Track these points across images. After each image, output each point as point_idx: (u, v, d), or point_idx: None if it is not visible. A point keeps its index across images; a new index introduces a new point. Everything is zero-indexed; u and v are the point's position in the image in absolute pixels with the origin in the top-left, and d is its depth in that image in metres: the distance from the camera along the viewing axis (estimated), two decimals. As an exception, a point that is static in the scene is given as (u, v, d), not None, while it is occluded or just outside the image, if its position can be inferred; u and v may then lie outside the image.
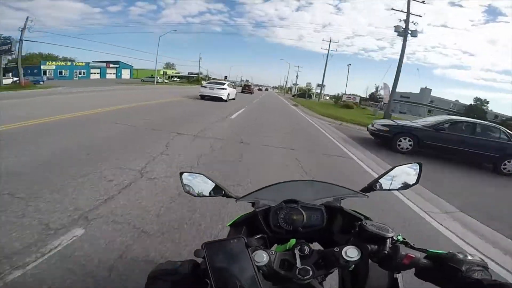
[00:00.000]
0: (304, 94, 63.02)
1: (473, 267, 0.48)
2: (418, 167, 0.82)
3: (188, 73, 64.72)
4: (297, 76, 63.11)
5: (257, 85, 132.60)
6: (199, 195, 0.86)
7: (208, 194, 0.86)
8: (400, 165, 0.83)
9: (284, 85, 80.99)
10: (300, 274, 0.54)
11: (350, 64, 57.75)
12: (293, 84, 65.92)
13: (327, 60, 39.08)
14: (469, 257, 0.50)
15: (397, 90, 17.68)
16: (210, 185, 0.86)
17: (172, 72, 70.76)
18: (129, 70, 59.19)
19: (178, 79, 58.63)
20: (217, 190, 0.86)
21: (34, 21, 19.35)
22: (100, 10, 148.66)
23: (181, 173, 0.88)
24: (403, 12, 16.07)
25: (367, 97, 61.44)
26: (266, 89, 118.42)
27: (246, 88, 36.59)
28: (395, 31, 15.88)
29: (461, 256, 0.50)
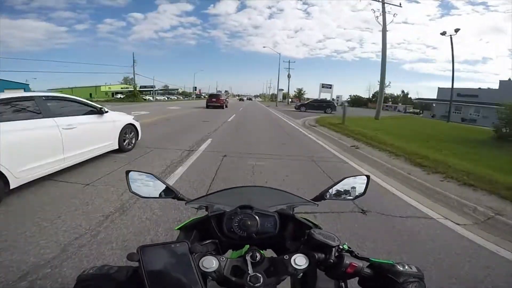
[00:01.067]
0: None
1: (409, 278, 0.51)
2: (366, 179, 0.88)
3: (141, 87, 56.92)
4: (288, 76, 54.84)
5: (238, 95, 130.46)
6: (148, 196, 0.85)
7: (157, 196, 0.85)
8: (349, 177, 0.88)
9: (267, 90, 79.67)
10: (251, 281, 0.54)
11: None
12: (280, 89, 62.43)
13: (289, 73, 46.90)
14: (407, 269, 0.53)
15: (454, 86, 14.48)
16: (160, 186, 0.85)
17: (121, 88, 62.54)
18: (23, 89, 36.76)
19: (122, 96, 48.30)
20: (167, 192, 0.85)
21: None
22: (66, 29, 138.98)
23: (127, 172, 0.86)
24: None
25: (371, 97, 60.31)
26: (250, 99, 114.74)
27: (214, 101, 23.96)
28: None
29: (400, 267, 0.53)
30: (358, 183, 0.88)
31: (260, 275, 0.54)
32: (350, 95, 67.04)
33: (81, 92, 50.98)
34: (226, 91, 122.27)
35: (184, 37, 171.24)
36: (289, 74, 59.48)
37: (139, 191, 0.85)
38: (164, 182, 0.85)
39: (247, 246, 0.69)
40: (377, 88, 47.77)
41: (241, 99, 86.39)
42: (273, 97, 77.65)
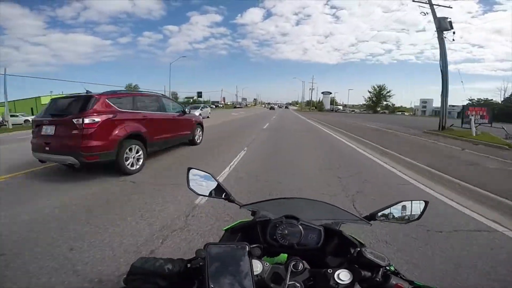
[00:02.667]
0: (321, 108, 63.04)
1: None
2: (424, 204, 0.84)
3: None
4: (311, 89, 60.22)
5: (268, 103, 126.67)
6: (201, 194, 0.90)
7: (211, 195, 0.89)
8: (407, 200, 0.85)
9: (303, 96, 77.23)
10: None
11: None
12: (326, 93, 62.40)
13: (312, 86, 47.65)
14: None
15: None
16: (215, 186, 0.89)
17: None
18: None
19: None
20: (221, 192, 0.89)
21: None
22: (110, 42, 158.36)
23: (189, 169, 0.92)
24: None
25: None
26: (281, 107, 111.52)
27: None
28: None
29: None
30: (413, 207, 0.84)
31: (298, 285, 0.56)
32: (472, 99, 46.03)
33: (23, 104, 37.11)
34: (244, 99, 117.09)
35: (216, 47, 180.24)
36: (312, 87, 60.29)
37: (196, 188, 0.91)
38: (220, 184, 0.90)
39: (284, 255, 0.72)
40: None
41: (271, 108, 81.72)
42: (310, 105, 71.76)
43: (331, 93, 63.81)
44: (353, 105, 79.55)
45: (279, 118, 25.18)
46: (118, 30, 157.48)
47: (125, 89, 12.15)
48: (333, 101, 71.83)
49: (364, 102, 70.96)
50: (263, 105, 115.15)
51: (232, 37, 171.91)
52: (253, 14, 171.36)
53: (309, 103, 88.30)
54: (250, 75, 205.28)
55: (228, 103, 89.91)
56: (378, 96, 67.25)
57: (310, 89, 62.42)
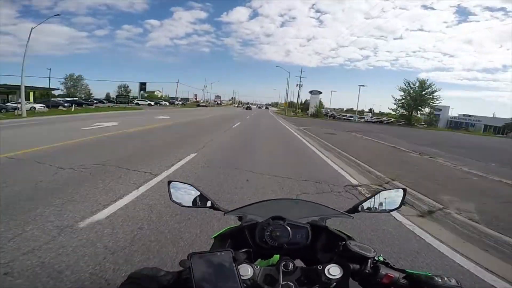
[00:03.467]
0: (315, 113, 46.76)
1: None
2: (402, 192, 0.87)
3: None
4: (299, 86, 47.61)
5: (246, 103, 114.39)
6: (186, 206, 0.89)
7: (195, 205, 0.88)
8: (385, 190, 0.90)
9: (286, 96, 61.42)
10: None
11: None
12: (315, 92, 49.55)
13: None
14: (446, 281, 0.52)
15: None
16: (198, 196, 0.88)
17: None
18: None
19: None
20: (205, 201, 0.88)
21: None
22: (86, 34, 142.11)
23: (169, 182, 0.90)
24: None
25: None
26: (266, 107, 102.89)
27: None
28: None
29: (438, 280, 0.52)
30: (393, 196, 0.87)
31: (292, 284, 0.55)
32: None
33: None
34: (217, 96, 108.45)
35: (198, 44, 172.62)
36: (300, 83, 47.98)
37: (179, 200, 0.89)
38: (202, 193, 0.88)
39: (277, 256, 0.73)
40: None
41: (248, 108, 73.53)
42: (297, 105, 59.90)
43: (321, 92, 52.09)
44: (360, 110, 60.28)
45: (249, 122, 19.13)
46: (95, 22, 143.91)
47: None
48: (320, 104, 59.10)
49: (393, 107, 43.13)
50: (239, 105, 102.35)
51: (216, 34, 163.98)
52: (240, 13, 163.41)
53: (291, 104, 79.20)
54: (232, 74, 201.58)
55: (201, 101, 79.22)
56: (419, 98, 39.57)
57: (297, 85, 51.45)
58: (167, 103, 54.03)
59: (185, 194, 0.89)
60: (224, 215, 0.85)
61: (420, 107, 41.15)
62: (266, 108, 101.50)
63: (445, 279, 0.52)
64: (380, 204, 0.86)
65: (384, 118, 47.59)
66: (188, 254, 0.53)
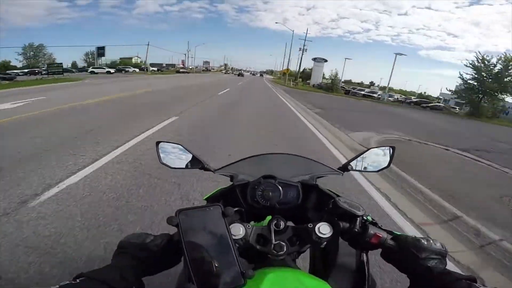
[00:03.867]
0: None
1: (431, 255, 0.50)
2: (390, 150, 0.86)
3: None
4: (303, 50, 38.90)
5: (239, 70, 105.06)
6: (175, 167, 0.86)
7: (185, 166, 0.86)
8: (374, 147, 0.88)
9: (285, 63, 49.57)
10: (274, 249, 0.56)
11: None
12: (319, 60, 42.82)
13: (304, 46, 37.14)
14: (431, 244, 0.52)
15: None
16: (187, 157, 0.86)
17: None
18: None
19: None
20: (195, 162, 0.85)
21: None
22: (67, 3, 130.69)
23: (157, 143, 0.87)
24: None
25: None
26: (261, 75, 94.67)
27: None
28: None
29: (423, 242, 0.52)
30: (381, 154, 0.86)
31: (283, 244, 0.56)
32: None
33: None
34: (206, 62, 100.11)
35: (190, 11, 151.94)
36: (304, 47, 38.91)
37: (168, 162, 0.86)
38: (191, 153, 0.85)
39: (269, 217, 0.69)
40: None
41: (240, 74, 66.90)
42: (297, 75, 49.24)
43: (326, 60, 44.54)
44: (369, 85, 53.99)
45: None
46: None
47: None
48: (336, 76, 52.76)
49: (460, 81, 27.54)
50: (227, 71, 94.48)
51: (209, 0, 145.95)
52: None
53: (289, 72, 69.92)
54: (226, 41, 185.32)
55: (191, 67, 72.28)
56: (497, 81, 25.28)
57: (300, 49, 41.58)
58: (137, 70, 45.58)
59: (174, 155, 0.87)
60: (214, 172, 0.83)
61: (496, 93, 26.02)
62: (261, 75, 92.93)
63: (430, 241, 0.52)
64: (369, 161, 0.85)
65: (427, 101, 32.29)
66: (176, 211, 0.50)
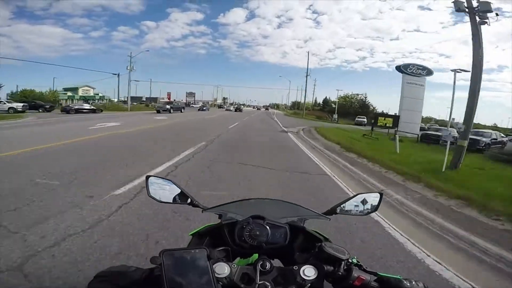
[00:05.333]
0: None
1: None
2: (379, 196, 0.88)
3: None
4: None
5: (236, 104, 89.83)
6: (163, 201, 0.87)
7: (174, 201, 0.87)
8: (362, 193, 0.90)
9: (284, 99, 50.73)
10: None
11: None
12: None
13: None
14: (413, 285, 0.55)
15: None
16: (176, 192, 0.87)
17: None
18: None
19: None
20: (183, 198, 0.87)
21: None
22: (81, 35, 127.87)
23: (147, 177, 0.88)
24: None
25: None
26: (267, 109, 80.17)
27: None
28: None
29: (405, 283, 0.55)
30: (370, 199, 0.88)
31: (268, 284, 0.56)
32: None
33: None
34: (190, 94, 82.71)
35: (195, 46, 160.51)
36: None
37: (156, 196, 0.87)
38: (181, 189, 0.87)
39: (255, 255, 0.72)
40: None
41: (237, 109, 50.63)
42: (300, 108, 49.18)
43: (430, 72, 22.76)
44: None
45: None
46: (91, 24, 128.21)
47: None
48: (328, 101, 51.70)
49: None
50: (223, 106, 71.63)
51: (212, 36, 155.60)
52: (236, 15, 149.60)
53: (294, 105, 63.22)
54: (229, 76, 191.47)
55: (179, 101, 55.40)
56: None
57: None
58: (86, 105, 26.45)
59: (164, 189, 0.88)
60: (202, 212, 0.85)
61: None
62: (266, 109, 77.80)
63: (413, 282, 0.55)
64: (357, 206, 0.87)
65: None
66: (160, 251, 0.51)
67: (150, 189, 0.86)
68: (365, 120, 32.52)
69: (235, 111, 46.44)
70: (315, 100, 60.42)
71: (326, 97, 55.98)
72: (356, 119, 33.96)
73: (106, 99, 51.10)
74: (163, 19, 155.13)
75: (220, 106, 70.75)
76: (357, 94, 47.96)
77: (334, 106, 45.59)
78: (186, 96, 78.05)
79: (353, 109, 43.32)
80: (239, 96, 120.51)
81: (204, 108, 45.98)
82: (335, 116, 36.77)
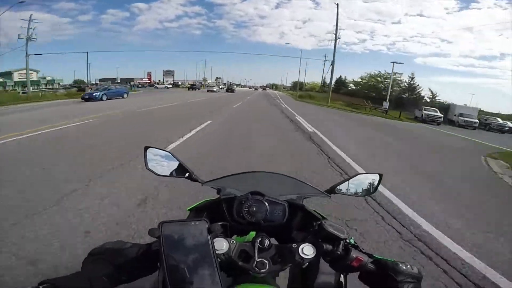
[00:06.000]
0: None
1: (407, 278, 0.53)
2: (378, 177, 0.88)
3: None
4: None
5: (230, 84, 78.69)
6: (162, 174, 0.85)
7: (171, 175, 0.85)
8: (363, 173, 0.91)
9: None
10: (257, 267, 0.55)
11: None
12: None
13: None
14: (408, 268, 0.54)
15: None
16: (175, 165, 0.85)
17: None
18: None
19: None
20: (182, 171, 0.85)
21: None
22: (69, 20, 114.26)
23: (146, 148, 0.86)
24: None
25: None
26: (264, 89, 73.05)
27: None
28: None
29: (401, 266, 0.54)
30: (369, 180, 0.88)
31: (266, 262, 0.56)
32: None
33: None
34: (167, 71, 72.53)
35: (189, 27, 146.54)
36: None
37: (155, 169, 0.85)
38: (180, 162, 0.85)
39: (253, 233, 0.72)
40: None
41: (229, 89, 42.97)
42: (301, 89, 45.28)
43: None
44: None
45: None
46: (78, 8, 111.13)
47: None
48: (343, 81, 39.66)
49: None
50: (209, 88, 44.19)
51: (207, 17, 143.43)
52: None
53: (296, 85, 52.69)
54: (225, 57, 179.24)
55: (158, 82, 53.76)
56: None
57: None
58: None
59: (162, 162, 0.86)
60: (202, 185, 0.82)
61: None
62: (264, 89, 70.42)
63: (408, 266, 0.54)
64: (356, 186, 0.86)
65: None
66: (159, 223, 0.49)
67: (149, 162, 0.84)
68: (440, 114, 20.16)
69: (227, 91, 40.29)
70: (324, 81, 50.17)
71: (340, 76, 45.29)
72: (424, 112, 20.51)
73: (56, 83, 41.63)
74: (155, 0, 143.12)
75: (192, 87, 47.29)
76: (396, 73, 32.58)
77: (351, 87, 35.58)
78: (163, 75, 66.51)
79: (393, 94, 29.99)
80: (233, 77, 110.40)
81: (194, 86, 46.67)
82: (386, 104, 24.04)
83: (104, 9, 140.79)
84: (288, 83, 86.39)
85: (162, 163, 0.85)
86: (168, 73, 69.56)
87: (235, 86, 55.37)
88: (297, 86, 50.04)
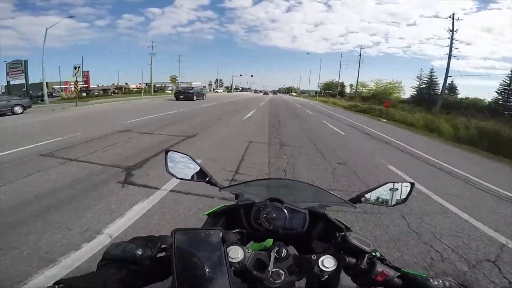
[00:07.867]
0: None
1: None
2: (410, 186, 0.84)
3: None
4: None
5: (235, 88, 77.33)
6: (181, 178, 0.88)
7: (191, 178, 0.88)
8: (393, 181, 0.85)
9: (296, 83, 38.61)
10: (272, 277, 0.54)
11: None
12: None
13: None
14: (440, 284, 0.49)
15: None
16: (194, 169, 0.87)
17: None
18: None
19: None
20: (201, 175, 0.87)
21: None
22: (87, 25, 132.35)
23: (166, 151, 0.89)
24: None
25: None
26: (275, 93, 74.87)
27: None
28: None
29: (432, 281, 0.50)
30: (400, 189, 0.83)
31: (282, 272, 0.54)
32: None
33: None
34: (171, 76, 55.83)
35: (202, 32, 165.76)
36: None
37: (175, 172, 0.87)
38: (200, 166, 0.87)
39: (270, 240, 0.70)
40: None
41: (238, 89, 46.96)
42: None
43: None
44: None
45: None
46: (95, 13, 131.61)
47: None
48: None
49: None
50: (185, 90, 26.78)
51: (219, 21, 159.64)
52: None
53: (327, 88, 55.03)
54: (237, 61, 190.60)
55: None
56: None
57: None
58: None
59: (182, 165, 0.87)
60: (219, 190, 0.84)
61: None
62: (274, 93, 71.53)
63: (440, 281, 0.50)
64: (385, 195, 0.82)
65: None
66: (172, 230, 0.50)
67: (169, 165, 0.86)
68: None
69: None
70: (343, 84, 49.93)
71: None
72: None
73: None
74: (169, 5, 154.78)
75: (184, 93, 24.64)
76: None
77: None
78: (172, 81, 62.47)
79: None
80: (245, 82, 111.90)
81: (189, 93, 32.80)
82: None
83: (119, 14, 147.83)
84: (311, 86, 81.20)
85: (182, 166, 0.87)
86: (174, 78, 53.26)
87: (220, 90, 50.14)
88: (294, 91, 49.79)
